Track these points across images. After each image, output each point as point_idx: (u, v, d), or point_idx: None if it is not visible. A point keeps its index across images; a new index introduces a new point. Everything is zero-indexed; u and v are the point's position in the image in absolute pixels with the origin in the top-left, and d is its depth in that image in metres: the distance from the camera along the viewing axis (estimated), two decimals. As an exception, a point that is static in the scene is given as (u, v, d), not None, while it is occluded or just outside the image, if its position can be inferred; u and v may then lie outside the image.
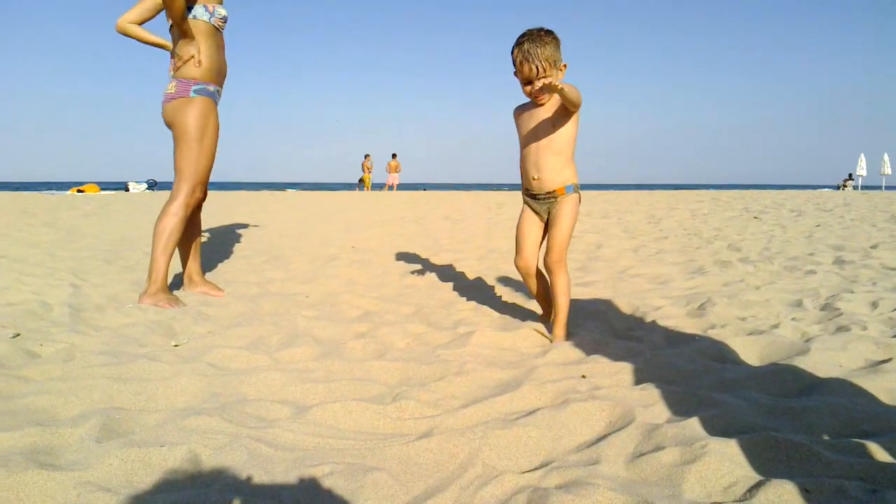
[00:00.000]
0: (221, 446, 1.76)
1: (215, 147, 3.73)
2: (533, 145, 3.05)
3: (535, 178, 3.05)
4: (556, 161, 3.02)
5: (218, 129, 3.74)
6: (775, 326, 3.10)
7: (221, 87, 3.77)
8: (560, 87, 2.69)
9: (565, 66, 2.97)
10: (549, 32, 2.91)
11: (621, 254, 5.93)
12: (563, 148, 3.00)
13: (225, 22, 3.68)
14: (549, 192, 3.06)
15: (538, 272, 3.26)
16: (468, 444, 1.80)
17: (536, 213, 3.16)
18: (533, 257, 3.19)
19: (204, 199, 3.83)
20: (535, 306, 3.76)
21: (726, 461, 1.64)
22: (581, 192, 3.14)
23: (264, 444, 1.80)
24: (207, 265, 5.15)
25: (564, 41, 2.96)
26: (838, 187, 32.33)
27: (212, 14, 3.63)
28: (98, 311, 3.45)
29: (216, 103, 3.73)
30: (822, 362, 2.51)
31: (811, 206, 11.97)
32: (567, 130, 3.00)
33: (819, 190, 26.31)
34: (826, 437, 1.86)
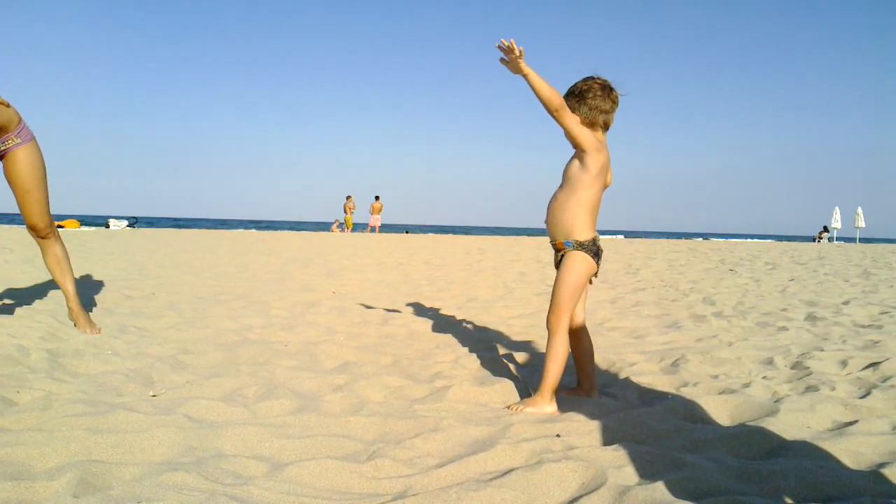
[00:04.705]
0: (197, 504, 1.77)
1: None
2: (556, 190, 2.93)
3: (545, 222, 2.94)
4: (559, 210, 2.86)
5: None
6: (746, 385, 3.16)
7: None
8: (523, 66, 2.59)
9: (581, 117, 2.81)
10: (588, 80, 2.85)
11: (599, 305, 6.01)
12: (570, 195, 2.83)
13: None
14: (552, 244, 2.95)
15: (581, 333, 3.02)
16: (442, 507, 1.82)
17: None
18: (572, 314, 2.94)
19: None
20: (512, 359, 3.80)
21: (693, 526, 1.68)
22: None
23: (239, 502, 1.81)
24: (188, 308, 5.15)
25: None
26: (814, 239, 32.89)
27: None
28: (76, 356, 3.44)
29: None
30: (791, 424, 2.57)
31: (786, 259, 12.19)
32: (577, 175, 2.81)
33: (795, 241, 26.83)
34: (790, 501, 1.91)
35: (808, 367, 3.49)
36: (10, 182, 3.91)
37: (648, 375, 3.41)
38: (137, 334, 4.12)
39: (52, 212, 4.01)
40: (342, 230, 28.16)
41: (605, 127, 2.89)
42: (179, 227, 34.67)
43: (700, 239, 28.53)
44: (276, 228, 41.21)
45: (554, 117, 2.73)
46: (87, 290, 5.94)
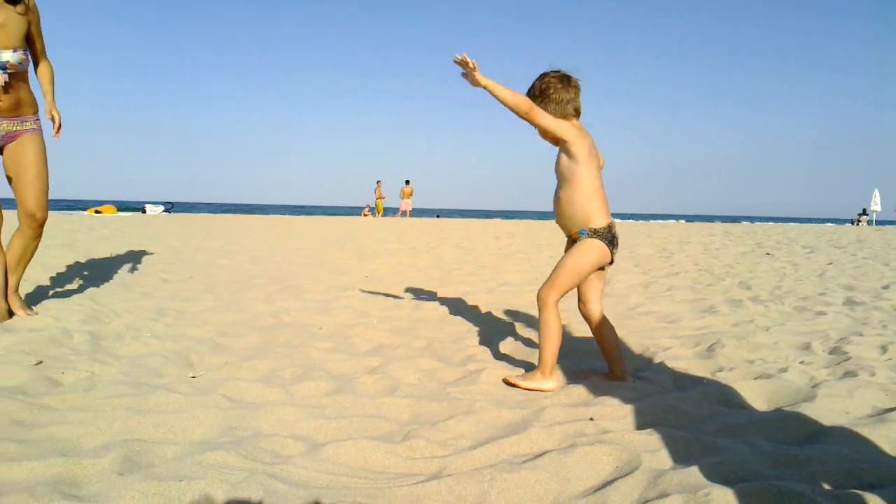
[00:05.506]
0: (237, 482, 1.82)
1: None
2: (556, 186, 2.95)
3: (556, 221, 2.96)
4: (568, 205, 2.87)
5: None
6: (783, 370, 3.12)
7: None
8: (480, 78, 2.61)
9: (552, 114, 2.81)
10: (543, 78, 2.87)
11: (632, 289, 5.97)
12: (573, 192, 2.84)
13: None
14: (568, 237, 2.96)
15: (600, 322, 3.00)
16: (476, 487, 1.84)
17: None
18: (587, 304, 3.00)
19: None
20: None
21: (728, 510, 1.68)
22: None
23: (278, 480, 1.86)
24: (224, 292, 5.23)
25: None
26: (853, 222, 32.20)
27: None
28: (117, 339, 3.53)
29: None
30: (829, 409, 2.54)
31: (824, 243, 11.96)
32: (570, 168, 2.82)
33: (833, 224, 26.30)
34: (827, 487, 1.89)
35: (847, 353, 3.43)
36: (15, 167, 3.80)
37: (683, 360, 3.38)
38: (175, 317, 4.21)
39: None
40: (373, 215, 28.28)
41: (577, 113, 2.91)
42: (215, 212, 35.10)
43: (747, 223, 28.03)
44: (309, 213, 41.52)
45: (526, 120, 2.75)
46: (126, 273, 6.07)
